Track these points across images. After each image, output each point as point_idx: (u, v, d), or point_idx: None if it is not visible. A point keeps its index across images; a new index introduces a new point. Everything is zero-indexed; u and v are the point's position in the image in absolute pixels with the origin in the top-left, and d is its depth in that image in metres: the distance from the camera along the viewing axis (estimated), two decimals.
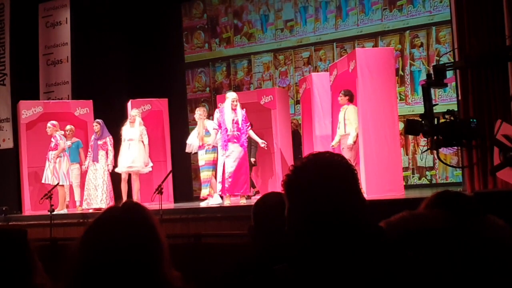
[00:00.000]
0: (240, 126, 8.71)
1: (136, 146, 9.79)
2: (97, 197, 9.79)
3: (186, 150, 9.82)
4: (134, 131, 9.82)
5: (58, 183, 9.66)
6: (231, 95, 8.90)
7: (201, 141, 9.16)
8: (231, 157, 8.69)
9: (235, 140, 8.71)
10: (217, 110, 9.23)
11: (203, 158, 9.20)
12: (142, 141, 9.89)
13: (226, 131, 8.69)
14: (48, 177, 9.89)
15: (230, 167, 8.68)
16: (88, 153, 10.13)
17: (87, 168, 10.03)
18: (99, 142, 9.97)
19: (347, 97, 8.71)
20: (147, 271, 1.58)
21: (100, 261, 1.57)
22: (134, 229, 1.61)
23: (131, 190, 9.95)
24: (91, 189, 9.88)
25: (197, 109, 9.67)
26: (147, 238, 1.62)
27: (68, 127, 10.21)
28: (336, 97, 9.23)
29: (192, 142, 9.52)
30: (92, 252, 1.59)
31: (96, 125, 10.07)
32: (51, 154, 9.90)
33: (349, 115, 8.61)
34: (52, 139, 9.98)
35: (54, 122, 10.08)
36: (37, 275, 2.01)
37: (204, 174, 9.17)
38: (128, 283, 1.56)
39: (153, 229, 1.64)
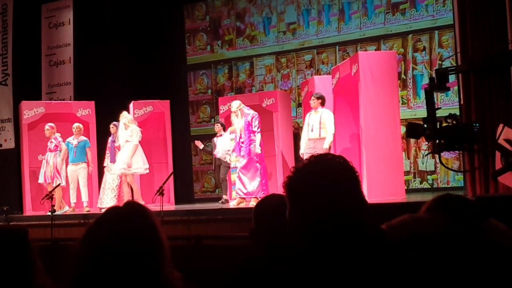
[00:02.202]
0: (243, 133, 8.89)
1: (124, 148, 9.79)
2: (109, 198, 9.93)
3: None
4: (122, 134, 9.84)
5: (59, 184, 9.69)
6: (232, 104, 9.08)
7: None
8: (241, 163, 8.94)
9: (242, 147, 8.94)
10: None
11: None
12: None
13: (236, 138, 9.02)
14: (47, 177, 9.96)
15: (241, 172, 8.91)
16: (106, 154, 10.33)
17: (103, 169, 10.28)
18: (116, 144, 10.10)
19: (319, 101, 8.86)
20: (148, 271, 1.58)
21: (101, 261, 1.56)
22: (135, 229, 1.61)
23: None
24: (108, 188, 10.00)
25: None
26: (148, 239, 1.61)
27: (75, 125, 10.23)
28: (338, 100, 9.25)
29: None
30: (93, 252, 1.59)
31: (112, 127, 10.22)
32: (50, 155, 9.96)
33: (325, 119, 8.71)
34: (53, 140, 10.02)
35: (52, 124, 10.12)
36: (37, 275, 2.01)
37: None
38: (129, 284, 1.55)
39: (154, 230, 1.64)
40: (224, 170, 9.95)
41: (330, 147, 8.70)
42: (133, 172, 9.80)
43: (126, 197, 9.78)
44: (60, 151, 10.04)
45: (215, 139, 10.30)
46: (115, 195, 9.94)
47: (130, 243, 1.58)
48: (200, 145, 10.71)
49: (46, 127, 10.09)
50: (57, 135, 10.08)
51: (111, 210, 1.71)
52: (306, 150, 8.81)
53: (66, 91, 11.98)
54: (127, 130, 9.79)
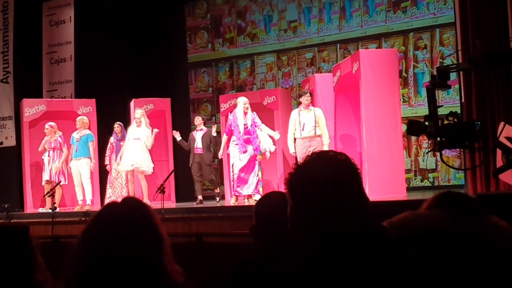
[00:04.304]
0: (249, 129, 8.88)
1: (141, 146, 9.81)
2: (119, 196, 10.02)
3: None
4: (140, 131, 9.84)
5: (59, 182, 9.71)
6: (242, 100, 9.10)
7: None
8: (242, 159, 8.92)
9: (246, 143, 8.92)
10: (229, 114, 9.38)
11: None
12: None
13: (239, 133, 8.93)
14: (52, 176, 10.00)
15: (241, 168, 8.90)
16: (107, 152, 10.38)
17: (105, 167, 10.36)
18: (121, 143, 10.17)
19: (311, 98, 8.97)
20: (148, 265, 1.58)
21: (101, 256, 1.57)
22: (133, 224, 1.62)
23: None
24: (117, 187, 10.12)
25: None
26: (146, 232, 1.62)
27: (78, 118, 10.19)
28: (339, 98, 9.25)
29: None
30: (93, 247, 1.60)
31: (117, 127, 10.35)
32: (56, 153, 9.99)
33: (320, 117, 8.78)
34: (59, 139, 10.06)
35: (52, 123, 10.14)
36: (38, 272, 2.02)
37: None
38: (129, 277, 1.56)
39: (152, 224, 1.65)
40: (208, 170, 9.82)
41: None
42: (142, 171, 9.84)
43: (132, 194, 9.79)
44: (63, 152, 10.08)
45: (194, 133, 10.12)
46: (125, 191, 10.02)
47: (129, 237, 1.59)
48: (178, 136, 10.19)
49: (47, 126, 10.10)
50: (58, 134, 10.13)
51: (109, 206, 1.71)
52: (301, 149, 8.78)
53: (67, 89, 11.99)
54: (148, 128, 9.90)
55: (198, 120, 10.10)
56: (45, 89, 12.16)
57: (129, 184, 9.95)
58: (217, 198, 9.91)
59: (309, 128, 8.78)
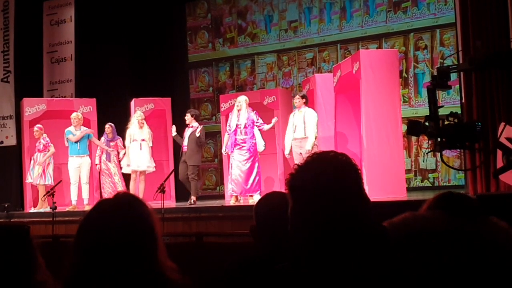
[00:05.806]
0: (244, 130, 8.87)
1: (147, 147, 9.84)
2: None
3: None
4: (144, 132, 9.85)
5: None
6: (237, 98, 9.12)
7: None
8: (238, 159, 8.92)
9: (242, 144, 8.91)
10: (230, 113, 9.42)
11: None
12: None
13: (235, 133, 8.96)
14: (31, 176, 10.01)
15: (238, 168, 8.88)
16: (98, 152, 10.39)
17: (99, 169, 10.36)
18: (112, 144, 10.25)
19: (303, 100, 9.02)
20: (141, 260, 1.58)
21: (94, 253, 1.58)
22: (125, 219, 1.61)
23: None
24: (110, 187, 10.14)
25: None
26: (139, 228, 1.61)
27: (74, 115, 10.12)
28: (339, 98, 9.25)
29: None
30: (86, 244, 1.60)
31: (108, 128, 10.34)
32: (39, 155, 9.99)
33: (308, 118, 8.77)
34: (41, 140, 10.05)
35: (40, 125, 10.17)
36: (39, 271, 2.02)
37: None
38: (122, 273, 1.56)
39: (145, 219, 1.64)
40: (190, 169, 9.51)
41: (313, 148, 8.70)
42: (148, 171, 9.93)
43: (132, 192, 9.78)
44: (48, 151, 10.04)
45: (186, 129, 9.80)
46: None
47: (120, 233, 1.58)
48: (174, 131, 9.99)
49: (35, 128, 10.14)
50: (45, 135, 10.13)
51: (102, 203, 1.71)
52: (295, 150, 8.89)
53: (67, 88, 11.98)
54: (142, 129, 9.90)
55: (188, 118, 9.69)
56: (46, 89, 12.15)
57: (132, 182, 9.94)
58: (188, 202, 9.44)
59: (299, 129, 8.86)
